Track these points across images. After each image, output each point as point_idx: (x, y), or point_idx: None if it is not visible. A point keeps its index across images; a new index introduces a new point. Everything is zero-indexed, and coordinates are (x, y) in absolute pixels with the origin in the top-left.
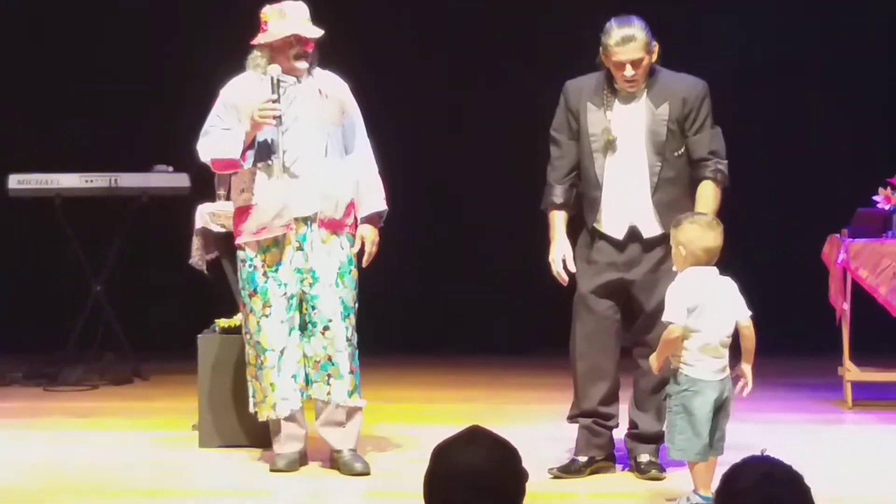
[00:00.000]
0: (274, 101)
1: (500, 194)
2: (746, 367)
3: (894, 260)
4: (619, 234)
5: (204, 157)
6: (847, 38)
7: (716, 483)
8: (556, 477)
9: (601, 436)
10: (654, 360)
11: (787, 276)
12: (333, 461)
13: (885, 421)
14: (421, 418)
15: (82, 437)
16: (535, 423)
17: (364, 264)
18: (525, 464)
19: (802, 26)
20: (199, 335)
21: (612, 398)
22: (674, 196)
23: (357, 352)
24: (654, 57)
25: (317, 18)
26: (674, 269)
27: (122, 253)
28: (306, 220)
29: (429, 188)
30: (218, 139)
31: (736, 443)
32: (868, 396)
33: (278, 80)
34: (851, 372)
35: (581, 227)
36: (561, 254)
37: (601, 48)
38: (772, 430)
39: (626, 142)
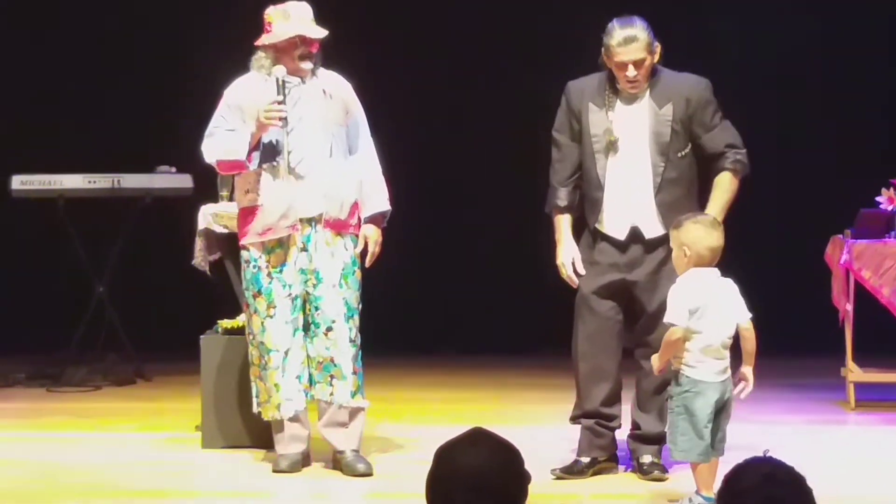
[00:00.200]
0: (280, 103)
1: (502, 194)
2: (747, 370)
3: None
4: (621, 234)
5: (209, 158)
6: (849, 38)
7: (718, 484)
8: (558, 478)
9: (604, 437)
10: (655, 361)
11: (790, 277)
12: (336, 462)
13: (887, 422)
14: (423, 419)
15: (85, 437)
16: (537, 423)
17: (367, 264)
18: (527, 465)
19: (803, 26)
20: (201, 336)
21: (614, 399)
22: (676, 197)
23: (360, 352)
24: (657, 57)
25: (320, 19)
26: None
27: (124, 254)
28: (311, 222)
29: (431, 188)
30: (223, 140)
31: (738, 443)
32: (871, 397)
33: (284, 82)
34: (854, 373)
35: (583, 227)
36: (569, 257)
37: (603, 49)
38: (774, 430)
39: (629, 142)
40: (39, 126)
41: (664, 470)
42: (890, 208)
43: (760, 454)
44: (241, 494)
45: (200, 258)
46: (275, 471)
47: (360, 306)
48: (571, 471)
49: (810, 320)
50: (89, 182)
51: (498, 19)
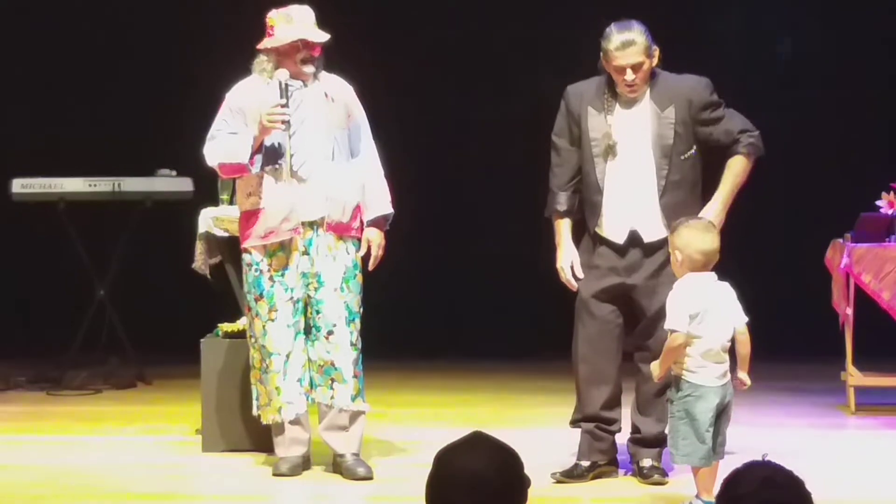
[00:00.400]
0: (283, 106)
1: (503, 198)
2: (743, 375)
3: None
4: (620, 238)
5: (211, 161)
6: (850, 42)
7: (717, 487)
8: (558, 482)
9: (604, 440)
10: (655, 368)
11: (790, 281)
12: (336, 465)
13: (887, 426)
14: (424, 423)
15: (85, 441)
16: (537, 427)
17: (370, 267)
18: (528, 468)
19: (805, 29)
20: (202, 339)
21: (614, 402)
22: (680, 199)
23: (361, 356)
24: (655, 61)
25: (323, 23)
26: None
27: (125, 257)
28: (313, 225)
29: (432, 192)
30: (225, 143)
31: (738, 447)
32: (871, 401)
33: (287, 85)
34: (854, 377)
35: (583, 231)
36: (569, 261)
37: (602, 53)
38: (774, 434)
39: (629, 146)
40: (40, 130)
41: (664, 474)
42: (890, 212)
43: (759, 458)
44: (241, 498)
45: (201, 262)
46: (275, 474)
47: (362, 310)
48: (571, 474)
49: (810, 324)
50: (90, 185)
51: (499, 23)
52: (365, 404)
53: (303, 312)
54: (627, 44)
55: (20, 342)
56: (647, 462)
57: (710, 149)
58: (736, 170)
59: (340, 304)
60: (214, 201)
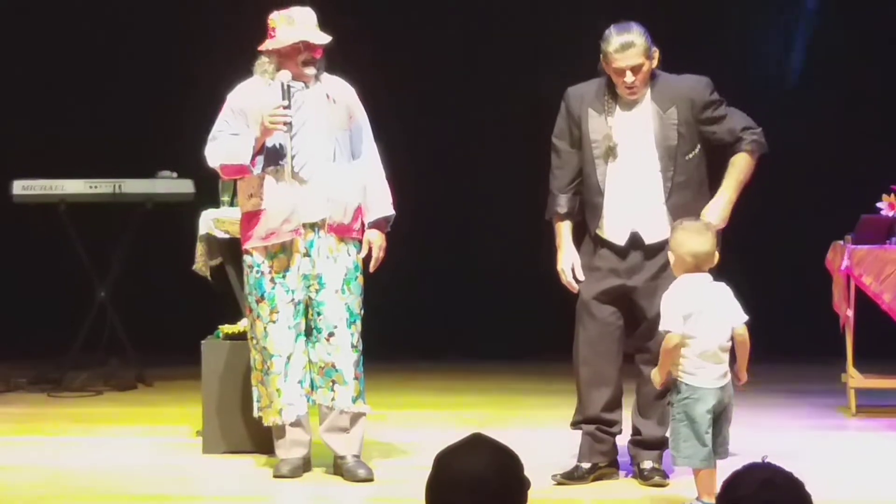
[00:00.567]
0: (285, 107)
1: (505, 200)
2: (740, 373)
3: None
4: (621, 240)
5: (212, 162)
6: (852, 45)
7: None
8: (559, 483)
9: (604, 442)
10: (656, 375)
11: (791, 283)
12: (337, 467)
13: (888, 427)
14: (425, 425)
15: (86, 442)
16: (538, 429)
17: (371, 269)
18: (528, 470)
19: (805, 27)
20: (202, 341)
21: (615, 404)
22: (686, 200)
23: (362, 358)
24: (655, 62)
25: (324, 24)
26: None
27: (126, 259)
28: (314, 227)
29: (433, 194)
30: (226, 145)
31: (739, 449)
32: (871, 403)
33: (289, 86)
34: (855, 379)
35: (584, 233)
36: (569, 263)
37: (601, 55)
38: (775, 436)
39: (630, 147)
40: (41, 131)
41: (665, 475)
42: (891, 214)
43: (759, 459)
44: (241, 499)
45: (201, 263)
46: (275, 476)
47: (363, 312)
48: (572, 476)
49: (811, 326)
50: (91, 187)
51: (501, 24)
52: (366, 406)
53: (304, 314)
54: (627, 46)
55: (20, 343)
56: (647, 464)
57: (713, 147)
58: (740, 167)
59: (341, 306)
60: (215, 203)
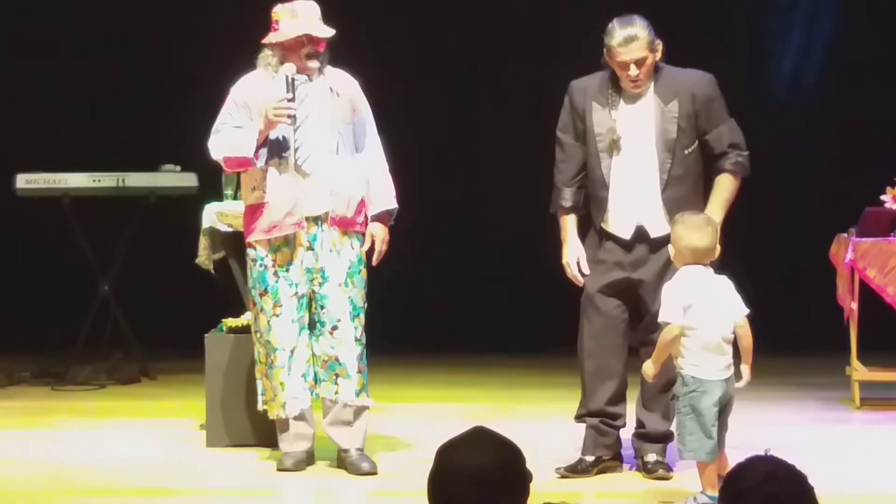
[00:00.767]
0: (289, 101)
1: (510, 193)
2: (745, 368)
3: None
4: (627, 233)
5: (216, 155)
6: (854, 36)
7: None
8: (563, 476)
9: (608, 435)
10: (649, 367)
11: (795, 276)
12: (340, 461)
13: (892, 420)
14: (428, 418)
15: (90, 436)
16: (542, 422)
17: (374, 262)
18: (532, 463)
19: (808, 25)
20: (206, 335)
21: (619, 398)
22: (683, 194)
23: (365, 351)
24: (658, 55)
25: (328, 18)
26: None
27: (129, 252)
28: (317, 220)
29: (437, 187)
30: (230, 137)
31: (742, 442)
32: (875, 396)
33: (294, 79)
34: (859, 371)
35: (589, 226)
36: (575, 256)
37: (605, 49)
38: (779, 429)
39: (634, 140)
40: (44, 125)
41: (669, 469)
42: (894, 207)
43: (762, 452)
44: (245, 493)
45: (204, 257)
46: (279, 469)
47: (366, 305)
48: (576, 469)
49: (815, 319)
50: (94, 181)
51: (506, 17)
52: (369, 399)
53: (307, 308)
54: (630, 39)
55: (24, 337)
56: (651, 457)
57: (699, 148)
58: (725, 187)
59: (345, 300)
60: (218, 196)
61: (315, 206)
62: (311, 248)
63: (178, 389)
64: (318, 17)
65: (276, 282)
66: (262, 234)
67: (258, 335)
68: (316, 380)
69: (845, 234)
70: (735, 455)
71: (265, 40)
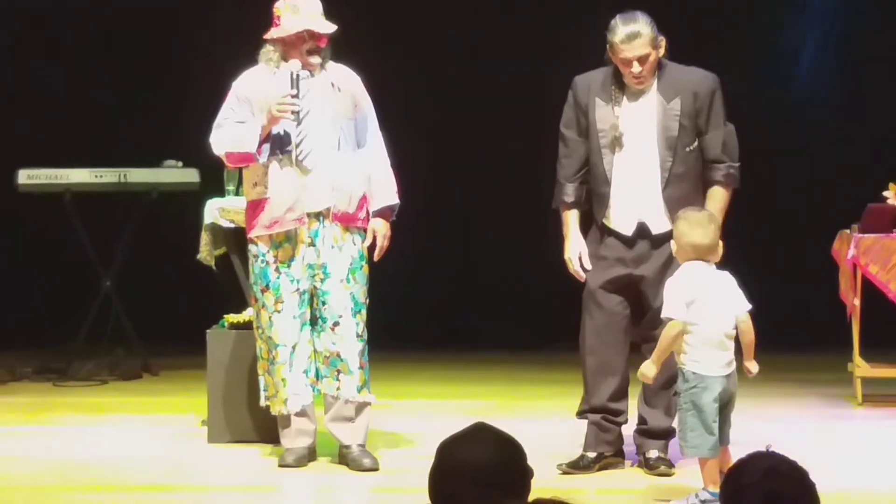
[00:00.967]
0: (293, 97)
1: (511, 189)
2: (749, 363)
3: None
4: (628, 230)
5: (218, 150)
6: (858, 33)
7: None
8: (564, 472)
9: (610, 432)
10: (647, 370)
11: (797, 272)
12: (342, 457)
13: (895, 417)
14: (430, 414)
15: (91, 432)
16: (544, 418)
17: (376, 258)
18: (534, 459)
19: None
20: (208, 330)
21: (621, 394)
22: (684, 191)
23: (367, 347)
24: (662, 51)
25: (329, 13)
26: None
27: (131, 248)
28: (319, 216)
29: (439, 182)
30: (232, 133)
31: (744, 438)
32: (878, 392)
33: (297, 75)
34: (861, 368)
35: (591, 222)
36: (576, 252)
37: (608, 45)
38: (781, 425)
39: (636, 137)
40: (46, 120)
41: (670, 465)
42: None
43: (764, 448)
44: (246, 489)
45: (206, 253)
46: (281, 465)
47: (368, 301)
48: (578, 465)
49: (817, 315)
50: (96, 176)
51: (508, 12)
52: (371, 395)
53: (309, 304)
54: (633, 36)
55: (26, 333)
56: (653, 453)
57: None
58: (718, 197)
59: (346, 296)
60: (220, 192)
61: (316, 201)
62: (312, 244)
63: (179, 385)
64: (319, 13)
65: (278, 278)
66: (264, 229)
67: (260, 331)
68: (317, 376)
69: (848, 231)
70: (737, 451)
71: (266, 35)
